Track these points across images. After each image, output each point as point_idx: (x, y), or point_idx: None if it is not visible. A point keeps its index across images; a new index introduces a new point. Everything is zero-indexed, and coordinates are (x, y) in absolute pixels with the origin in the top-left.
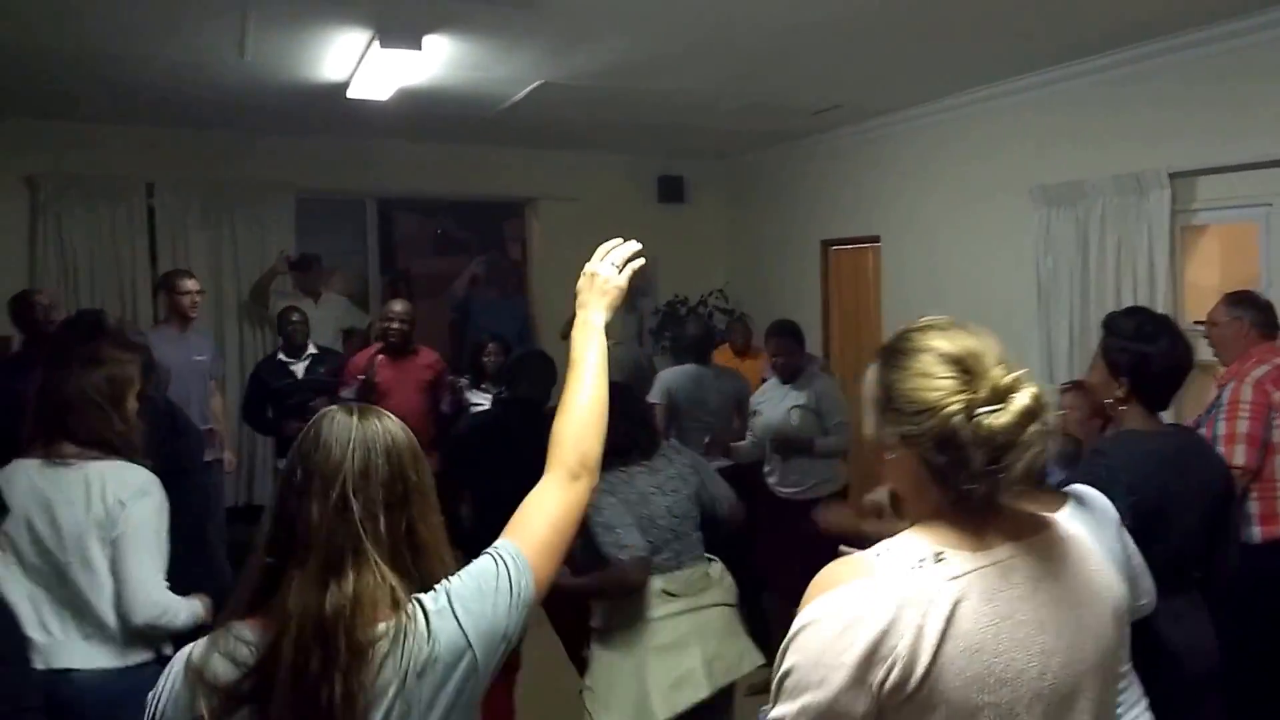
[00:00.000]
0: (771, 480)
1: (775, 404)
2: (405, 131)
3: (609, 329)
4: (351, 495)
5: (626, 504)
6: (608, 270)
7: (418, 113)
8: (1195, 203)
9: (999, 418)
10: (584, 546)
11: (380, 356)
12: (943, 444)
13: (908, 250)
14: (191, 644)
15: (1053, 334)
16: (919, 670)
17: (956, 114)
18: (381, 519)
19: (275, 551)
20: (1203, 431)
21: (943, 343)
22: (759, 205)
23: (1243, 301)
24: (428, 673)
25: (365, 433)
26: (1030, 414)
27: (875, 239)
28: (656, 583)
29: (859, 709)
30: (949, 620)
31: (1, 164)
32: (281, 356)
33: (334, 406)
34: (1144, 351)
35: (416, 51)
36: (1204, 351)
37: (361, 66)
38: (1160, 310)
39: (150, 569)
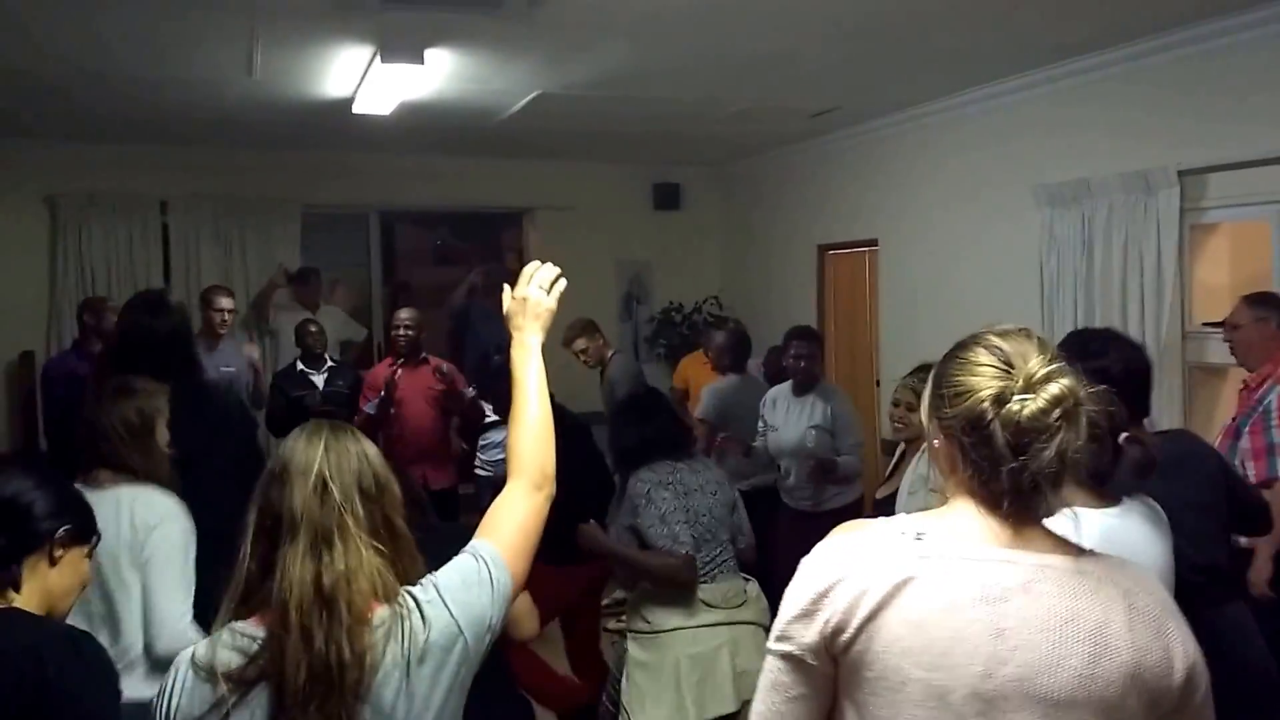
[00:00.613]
0: (788, 497)
1: (792, 422)
2: (406, 145)
3: (607, 339)
4: (329, 479)
5: (677, 495)
6: (536, 293)
7: (418, 126)
8: (1205, 201)
9: (1028, 405)
10: (633, 538)
11: (399, 370)
12: (972, 428)
13: (906, 253)
14: (191, 647)
15: (1057, 337)
16: (855, 624)
17: (956, 113)
18: (358, 503)
19: (263, 539)
20: (1246, 438)
21: (996, 340)
22: (755, 211)
23: (1267, 301)
24: (427, 658)
25: (337, 436)
26: (1058, 402)
27: (873, 243)
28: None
29: (809, 638)
30: (897, 588)
31: (23, 185)
32: (301, 367)
33: (311, 420)
34: (1101, 367)
35: (419, 66)
36: (1215, 354)
37: (365, 82)
38: (1168, 312)
39: (178, 601)
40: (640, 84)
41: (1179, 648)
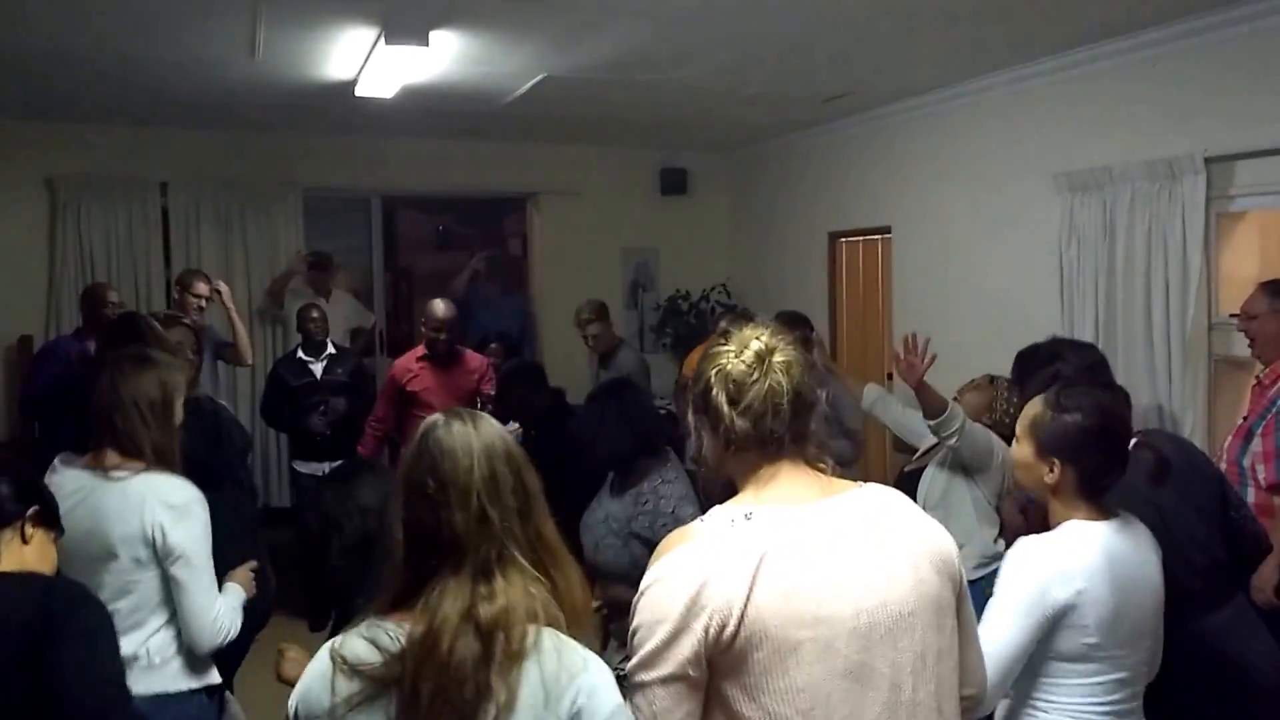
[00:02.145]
0: None
1: None
2: (410, 129)
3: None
4: (488, 505)
5: (699, 510)
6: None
7: (422, 110)
8: (1232, 188)
9: (735, 364)
10: (634, 557)
11: (422, 362)
12: (705, 401)
13: (921, 241)
14: (324, 648)
15: (1076, 328)
16: (735, 614)
17: (974, 99)
18: (516, 525)
19: (413, 559)
20: (1257, 441)
21: (733, 329)
22: (764, 197)
23: None
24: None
25: (484, 440)
26: (758, 356)
27: (886, 230)
28: None
29: (687, 652)
30: (758, 569)
31: (23, 166)
32: (301, 355)
33: (441, 414)
34: (1055, 372)
35: (423, 48)
36: (1241, 347)
37: (369, 64)
38: (1193, 303)
39: (210, 596)
40: (649, 67)
41: (943, 530)
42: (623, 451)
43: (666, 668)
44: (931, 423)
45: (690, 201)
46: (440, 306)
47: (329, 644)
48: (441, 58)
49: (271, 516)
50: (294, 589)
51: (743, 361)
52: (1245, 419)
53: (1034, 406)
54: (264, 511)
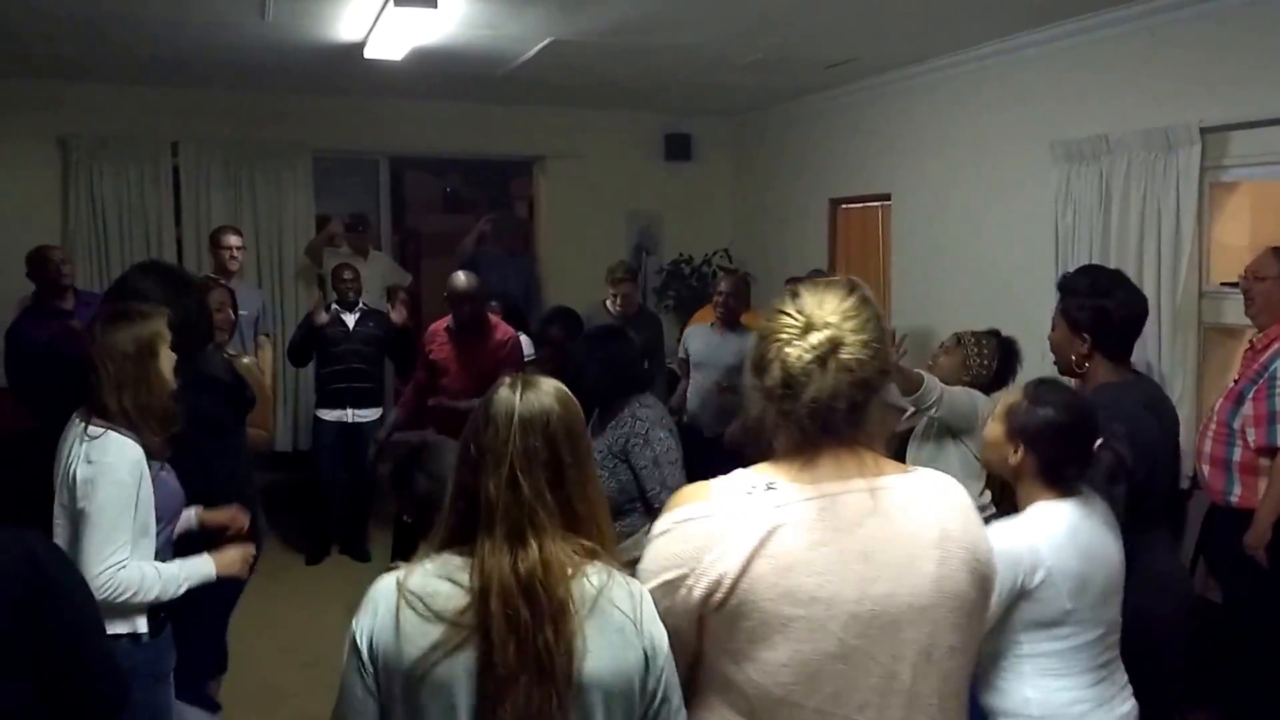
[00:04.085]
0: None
1: (716, 353)
2: (417, 91)
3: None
4: (520, 475)
5: (673, 436)
6: None
7: (430, 72)
8: (1227, 159)
9: (793, 350)
10: (620, 483)
11: (446, 332)
12: (761, 368)
13: (920, 208)
14: (392, 573)
15: None
16: (729, 581)
17: (975, 67)
18: (548, 495)
19: (461, 513)
20: (1249, 405)
21: (804, 289)
22: (767, 163)
23: None
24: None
25: (526, 412)
26: (815, 349)
27: (886, 197)
28: None
29: (678, 606)
30: (763, 540)
31: (35, 125)
32: (335, 306)
33: (504, 379)
34: (1103, 306)
35: (432, 10)
36: (1231, 315)
37: (377, 26)
38: (1185, 271)
39: (100, 554)
40: (655, 32)
41: (984, 531)
42: (601, 391)
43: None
44: (909, 399)
45: (694, 166)
46: (460, 279)
47: (392, 578)
48: (449, 20)
49: (302, 458)
50: (297, 526)
51: (804, 351)
52: (1236, 382)
53: (1013, 395)
54: (294, 454)
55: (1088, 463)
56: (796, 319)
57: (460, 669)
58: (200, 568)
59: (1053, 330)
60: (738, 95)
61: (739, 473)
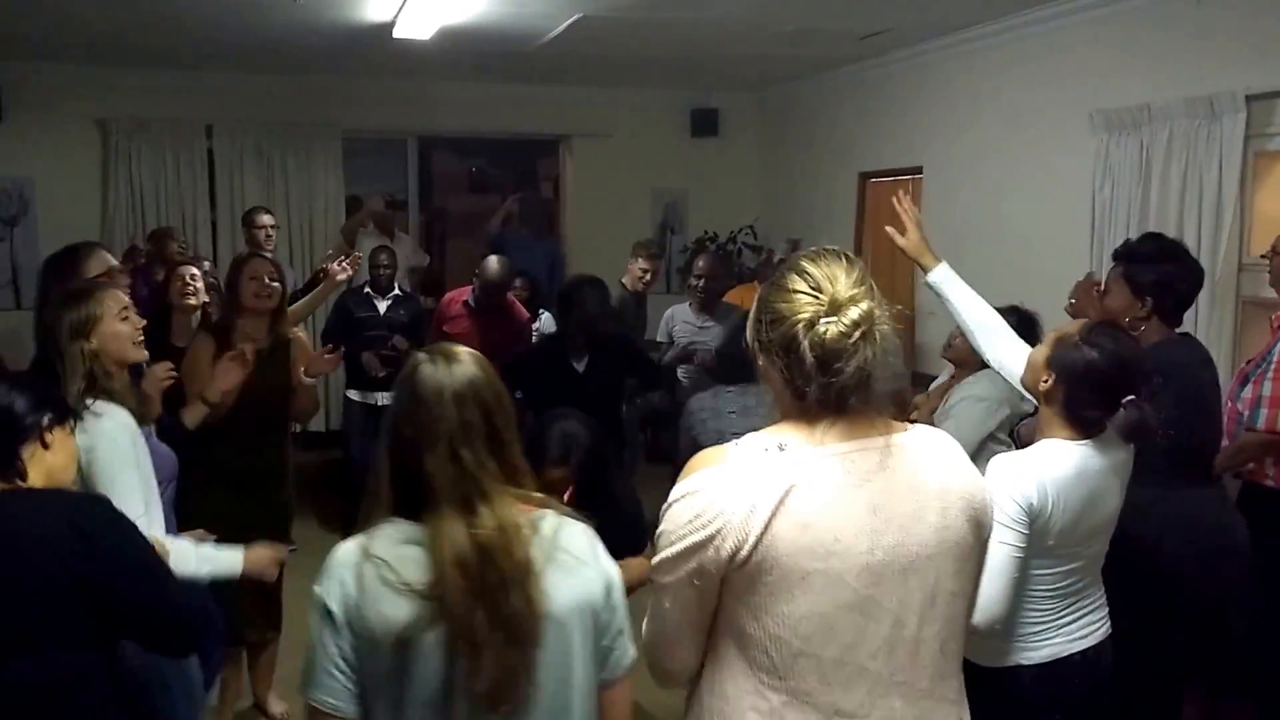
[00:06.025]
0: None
1: (700, 338)
2: (446, 71)
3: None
4: (460, 450)
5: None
6: None
7: (457, 51)
8: (1272, 128)
9: (831, 328)
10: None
11: (465, 307)
12: (786, 350)
13: (952, 181)
14: (355, 539)
15: (1106, 266)
16: (751, 540)
17: (1012, 35)
18: (490, 463)
19: (403, 489)
20: (1250, 387)
21: (809, 265)
22: (795, 137)
23: None
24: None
25: (456, 385)
26: (857, 325)
27: (917, 170)
28: None
29: (698, 567)
30: (782, 499)
31: (76, 109)
32: (368, 290)
33: (420, 355)
34: (1169, 271)
35: None
36: (1265, 288)
37: (407, 5)
38: (1225, 243)
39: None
40: (684, 5)
41: (980, 479)
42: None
43: (679, 576)
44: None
45: (721, 143)
46: (494, 266)
47: (355, 544)
48: None
49: (333, 438)
50: (331, 505)
51: (840, 327)
52: (1249, 362)
53: (1071, 326)
54: (326, 433)
55: (1109, 413)
56: (819, 297)
57: (432, 638)
58: (228, 561)
59: (1105, 294)
60: (767, 68)
61: (751, 435)
